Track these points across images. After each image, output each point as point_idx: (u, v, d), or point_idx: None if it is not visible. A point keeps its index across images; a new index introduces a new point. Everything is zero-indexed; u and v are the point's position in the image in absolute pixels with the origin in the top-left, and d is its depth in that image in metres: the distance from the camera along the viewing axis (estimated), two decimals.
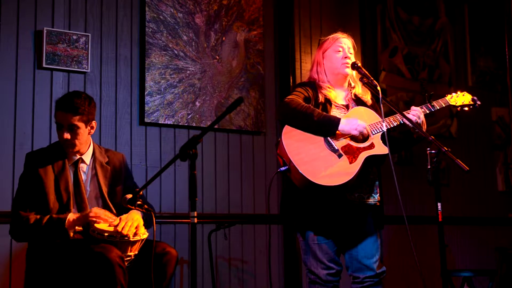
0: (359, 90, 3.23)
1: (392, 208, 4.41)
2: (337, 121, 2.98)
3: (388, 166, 2.94)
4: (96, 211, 2.87)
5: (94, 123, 3.09)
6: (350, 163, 2.95)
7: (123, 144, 4.09)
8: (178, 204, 4.24)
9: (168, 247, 2.95)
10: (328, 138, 3.01)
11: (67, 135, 2.96)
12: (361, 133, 2.98)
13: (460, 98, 3.32)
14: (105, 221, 2.86)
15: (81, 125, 2.99)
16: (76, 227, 2.90)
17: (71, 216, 2.87)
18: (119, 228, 2.80)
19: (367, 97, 3.24)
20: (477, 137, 5.91)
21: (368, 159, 3.00)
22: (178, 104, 4.32)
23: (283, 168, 3.00)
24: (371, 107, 3.20)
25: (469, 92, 3.36)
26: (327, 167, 2.93)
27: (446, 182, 5.52)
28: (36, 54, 3.88)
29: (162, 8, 4.35)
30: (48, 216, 2.86)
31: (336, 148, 2.98)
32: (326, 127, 2.99)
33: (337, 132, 2.99)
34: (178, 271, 4.14)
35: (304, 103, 3.04)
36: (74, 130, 2.98)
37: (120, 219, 2.87)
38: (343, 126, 2.97)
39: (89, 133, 3.08)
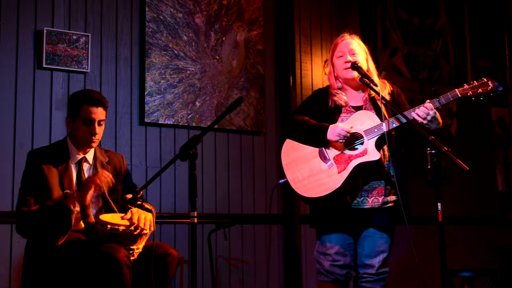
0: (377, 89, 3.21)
1: None
2: (325, 129, 3.05)
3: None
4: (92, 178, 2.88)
5: None
6: (339, 172, 3.02)
7: (123, 144, 4.09)
8: (178, 204, 4.24)
9: (170, 248, 2.95)
10: (323, 148, 3.11)
11: (98, 130, 3.03)
12: (342, 138, 3.01)
13: (476, 88, 2.97)
14: (103, 180, 2.86)
15: (104, 119, 3.10)
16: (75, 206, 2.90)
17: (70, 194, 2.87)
18: (133, 219, 2.81)
19: (384, 93, 3.15)
20: (477, 137, 5.90)
21: (362, 165, 3.01)
22: (178, 104, 4.32)
23: (282, 181, 3.24)
24: (390, 102, 3.09)
25: (491, 78, 3.00)
26: (315, 178, 3.08)
27: (446, 182, 5.52)
28: (36, 54, 3.88)
29: (162, 8, 4.35)
30: (49, 200, 2.87)
31: (328, 157, 3.08)
32: (316, 136, 3.10)
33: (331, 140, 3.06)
34: (178, 271, 4.14)
35: (302, 116, 3.17)
36: (101, 125, 3.07)
37: (131, 212, 2.87)
38: (329, 134, 3.04)
39: None
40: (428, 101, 3.01)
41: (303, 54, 4.93)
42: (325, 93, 3.23)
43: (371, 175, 3.08)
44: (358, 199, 3.06)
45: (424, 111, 2.96)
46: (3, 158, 3.71)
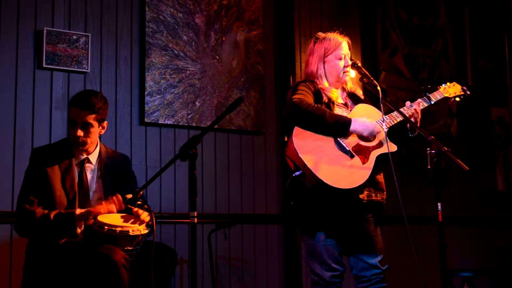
0: (350, 84, 3.28)
1: (392, 208, 4.41)
2: (348, 121, 3.00)
3: (388, 165, 2.94)
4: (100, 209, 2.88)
5: (105, 124, 3.09)
6: (363, 163, 2.97)
7: (123, 144, 4.09)
8: (178, 204, 4.24)
9: (168, 248, 2.95)
10: (338, 138, 3.00)
11: (80, 132, 2.96)
12: (371, 133, 3.01)
13: (452, 89, 3.37)
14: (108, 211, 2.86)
15: (94, 124, 3.00)
16: (81, 227, 2.91)
17: (78, 211, 2.87)
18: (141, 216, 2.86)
19: (359, 92, 3.30)
20: (477, 137, 5.90)
21: (378, 157, 3.02)
22: (178, 104, 4.32)
23: (297, 173, 2.94)
24: (365, 102, 3.25)
25: (458, 83, 3.44)
26: (341, 169, 2.92)
27: (446, 182, 5.52)
28: (36, 54, 3.88)
29: (162, 8, 4.35)
30: (56, 211, 2.85)
31: (347, 148, 2.98)
32: (339, 128, 2.99)
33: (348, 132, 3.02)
34: (178, 271, 4.14)
35: (313, 104, 3.02)
36: (87, 128, 2.98)
37: (137, 209, 2.89)
38: (355, 126, 2.99)
39: (99, 133, 3.08)
40: (408, 102, 3.23)
41: (303, 54, 4.92)
42: (313, 85, 3.16)
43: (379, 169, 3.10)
44: (371, 193, 3.06)
45: (414, 113, 3.17)
46: (3, 158, 3.71)
